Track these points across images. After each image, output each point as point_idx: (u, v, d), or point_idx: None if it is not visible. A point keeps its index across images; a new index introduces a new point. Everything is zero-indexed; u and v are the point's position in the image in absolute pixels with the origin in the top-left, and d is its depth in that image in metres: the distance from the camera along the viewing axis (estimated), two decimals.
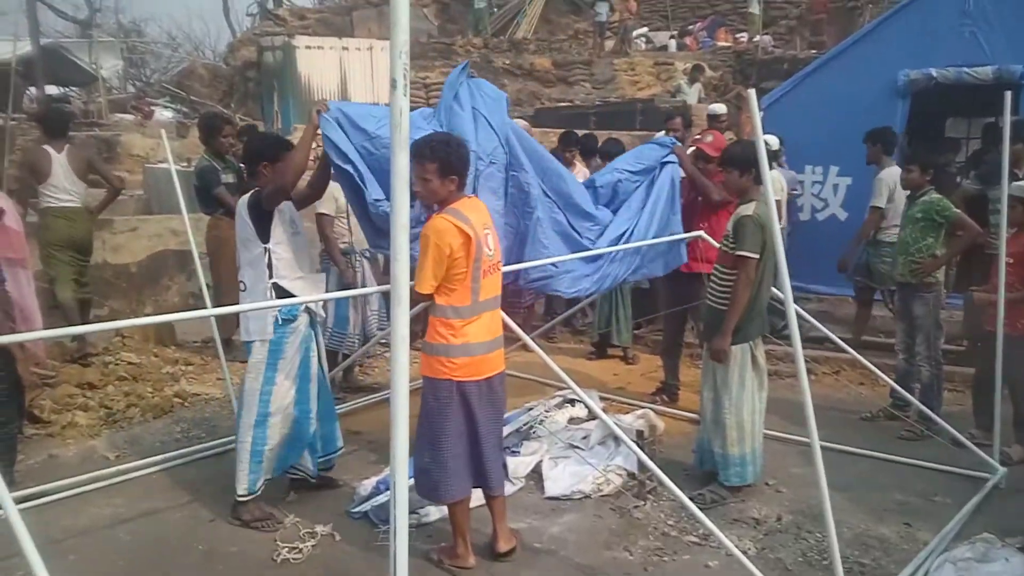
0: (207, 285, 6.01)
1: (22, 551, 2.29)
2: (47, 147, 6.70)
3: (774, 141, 7.28)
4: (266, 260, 4.17)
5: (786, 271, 3.39)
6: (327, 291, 4.88)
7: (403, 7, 1.74)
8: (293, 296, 4.16)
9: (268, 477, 4.33)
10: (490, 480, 3.85)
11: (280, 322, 4.18)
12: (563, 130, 8.18)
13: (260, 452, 4.22)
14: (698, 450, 4.84)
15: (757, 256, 4.31)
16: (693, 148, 5.84)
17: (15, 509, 2.37)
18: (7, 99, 13.45)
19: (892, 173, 6.43)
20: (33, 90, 17.81)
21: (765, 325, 4.56)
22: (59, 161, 6.64)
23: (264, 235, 4.18)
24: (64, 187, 6.67)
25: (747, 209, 4.37)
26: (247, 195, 4.25)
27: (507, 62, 20.99)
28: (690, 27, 23.21)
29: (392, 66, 1.77)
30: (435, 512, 4.31)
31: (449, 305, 3.63)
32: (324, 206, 5.76)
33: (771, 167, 6.20)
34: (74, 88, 22.40)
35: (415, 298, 3.51)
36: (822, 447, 3.49)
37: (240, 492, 4.23)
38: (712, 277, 4.63)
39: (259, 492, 4.28)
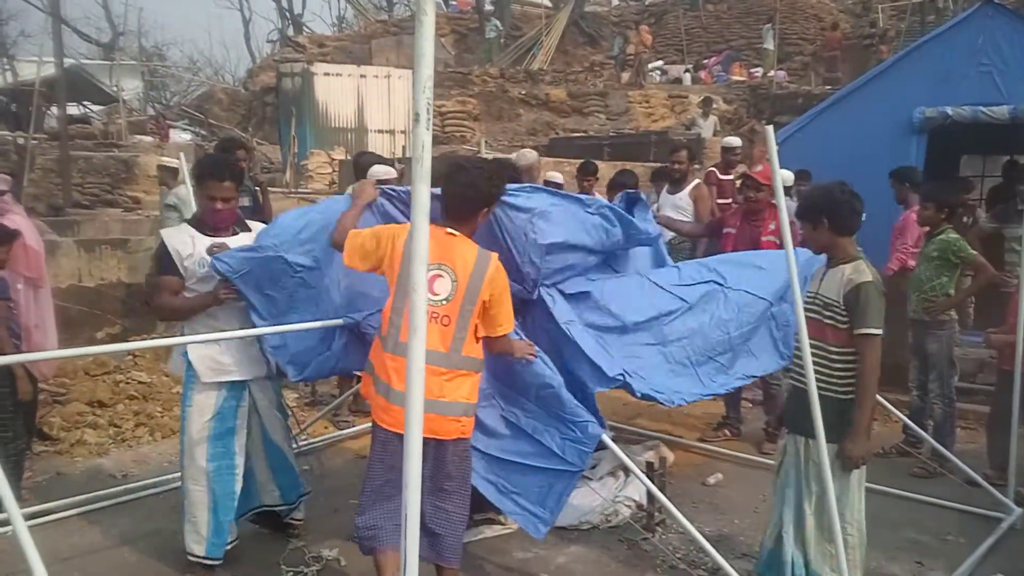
0: None
1: (29, 567, 2.29)
2: None
3: (789, 177, 7.29)
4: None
5: (801, 306, 3.36)
6: None
7: (428, 39, 1.75)
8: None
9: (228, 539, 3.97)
10: (431, 547, 3.39)
11: (187, 364, 3.86)
12: (580, 160, 8.21)
13: (182, 506, 3.92)
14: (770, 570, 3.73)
15: (881, 332, 3.40)
16: (736, 177, 5.97)
17: (24, 525, 2.37)
18: (30, 119, 13.64)
19: None
20: (55, 110, 18.05)
21: None
22: None
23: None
24: None
25: (860, 273, 3.40)
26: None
27: (523, 92, 21.17)
28: (704, 61, 23.39)
29: (415, 100, 1.78)
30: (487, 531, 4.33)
31: (378, 330, 3.39)
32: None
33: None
34: (94, 109, 22.69)
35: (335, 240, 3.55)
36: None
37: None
38: (814, 356, 3.46)
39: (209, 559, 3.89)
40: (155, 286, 3.84)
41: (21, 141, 14.57)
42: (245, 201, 6.73)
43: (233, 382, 3.88)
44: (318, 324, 3.83)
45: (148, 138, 18.57)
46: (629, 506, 4.70)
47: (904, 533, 4.61)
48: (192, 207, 7.15)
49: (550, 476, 3.75)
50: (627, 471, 4.61)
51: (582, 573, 4.10)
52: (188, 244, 3.78)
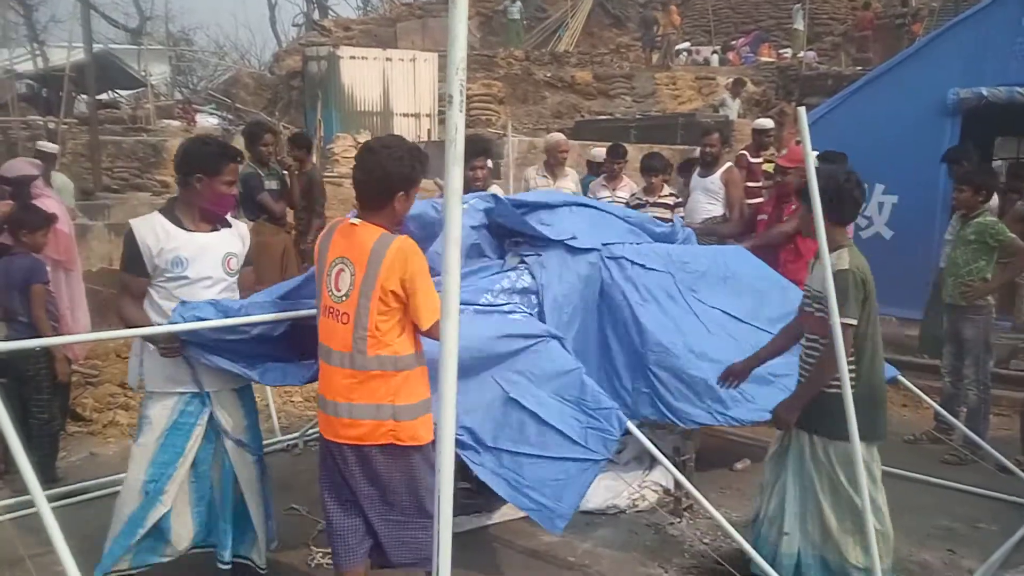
0: None
1: (55, 547, 2.33)
2: None
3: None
4: (155, 294, 3.42)
5: (832, 287, 3.31)
6: None
7: (462, 22, 1.73)
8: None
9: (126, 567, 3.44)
10: (385, 554, 3.19)
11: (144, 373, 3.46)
12: (609, 143, 8.15)
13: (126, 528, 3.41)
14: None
15: (855, 323, 3.35)
16: (764, 163, 5.91)
17: (47, 507, 2.41)
18: (60, 104, 13.79)
19: None
20: (85, 96, 18.23)
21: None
22: None
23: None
24: None
25: (840, 260, 3.36)
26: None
27: (548, 75, 21.06)
28: (733, 42, 23.10)
29: (449, 81, 1.76)
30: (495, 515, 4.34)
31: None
32: None
33: None
34: (123, 94, 22.89)
35: None
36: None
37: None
38: (804, 349, 3.61)
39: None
40: (119, 283, 3.47)
41: (52, 126, 14.72)
42: (273, 184, 6.79)
43: (192, 394, 3.43)
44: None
45: (176, 122, 18.70)
46: (656, 491, 4.69)
47: (936, 520, 4.56)
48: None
49: (569, 466, 3.63)
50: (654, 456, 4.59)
51: (609, 558, 4.10)
52: (159, 238, 3.33)
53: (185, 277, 3.36)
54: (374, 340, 2.92)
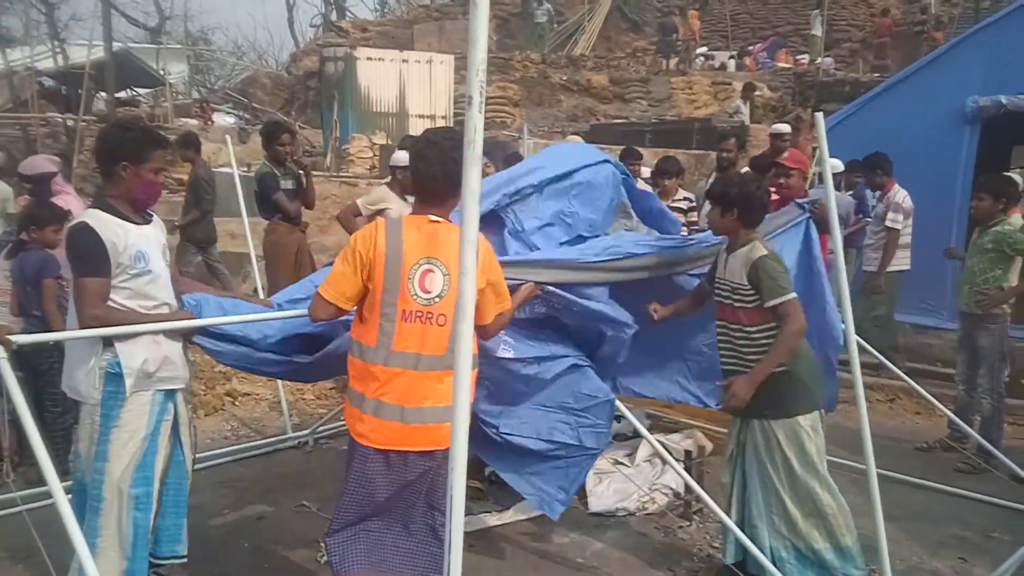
0: (262, 287, 6.13)
1: (72, 540, 2.36)
2: None
3: (837, 164, 7.17)
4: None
5: (847, 294, 3.31)
6: None
7: (482, 22, 1.74)
8: (118, 359, 3.09)
9: None
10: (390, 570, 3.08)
11: (107, 378, 3.10)
12: (621, 147, 8.15)
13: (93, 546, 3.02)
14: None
15: (795, 294, 3.52)
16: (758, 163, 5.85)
17: (64, 498, 2.44)
18: (79, 102, 13.91)
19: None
20: (104, 95, 18.38)
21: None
22: None
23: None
24: None
25: (755, 250, 3.55)
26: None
27: (564, 78, 21.06)
28: (750, 48, 23.04)
29: (469, 83, 1.77)
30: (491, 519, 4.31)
31: (356, 339, 2.99)
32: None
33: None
34: (142, 92, 23.07)
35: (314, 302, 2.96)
36: (876, 475, 3.41)
37: None
38: (732, 341, 3.70)
39: None
40: (84, 290, 3.02)
41: (71, 123, 14.88)
42: (289, 184, 6.81)
43: (166, 391, 3.26)
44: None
45: (193, 121, 18.82)
46: (666, 494, 4.69)
47: (948, 529, 4.53)
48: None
49: (568, 461, 3.78)
50: (664, 459, 4.59)
51: (618, 560, 4.10)
52: (118, 234, 3.09)
53: (149, 272, 3.15)
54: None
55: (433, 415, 2.90)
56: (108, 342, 3.06)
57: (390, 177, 6.57)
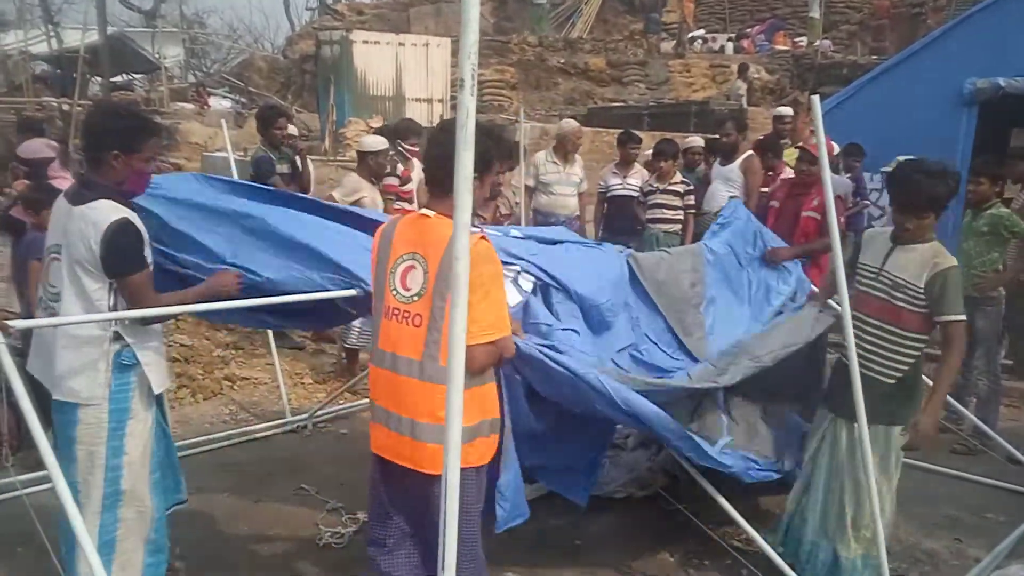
0: None
1: (72, 525, 2.36)
2: None
3: (833, 148, 7.16)
4: (107, 299, 2.98)
5: (844, 281, 3.30)
6: None
7: (474, 6, 1.72)
8: (132, 350, 3.03)
9: None
10: None
11: (118, 371, 3.02)
12: (619, 130, 8.13)
13: (111, 543, 3.08)
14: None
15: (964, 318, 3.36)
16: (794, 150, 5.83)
17: (63, 482, 2.44)
18: (74, 86, 13.84)
19: None
20: (99, 79, 18.30)
21: None
22: None
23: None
24: None
25: (945, 258, 3.37)
26: (104, 210, 2.93)
27: (561, 61, 20.99)
28: (748, 30, 22.96)
29: (461, 66, 1.74)
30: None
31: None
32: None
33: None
34: (137, 76, 22.97)
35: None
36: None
37: None
38: (875, 339, 3.49)
39: None
40: (142, 287, 2.98)
41: (66, 108, 14.80)
42: (284, 168, 6.80)
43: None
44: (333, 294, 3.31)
45: (189, 105, 18.77)
46: (663, 477, 4.70)
47: (943, 510, 4.56)
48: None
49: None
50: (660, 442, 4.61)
51: (616, 541, 4.13)
52: (141, 227, 3.03)
53: (151, 262, 3.09)
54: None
55: (416, 431, 2.66)
56: (117, 335, 2.98)
57: (358, 163, 6.53)
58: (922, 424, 3.34)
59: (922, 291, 3.34)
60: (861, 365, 3.30)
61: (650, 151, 7.63)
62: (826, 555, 3.63)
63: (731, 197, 6.62)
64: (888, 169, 6.59)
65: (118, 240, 2.89)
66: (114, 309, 2.97)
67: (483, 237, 2.63)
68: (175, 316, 3.10)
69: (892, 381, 3.43)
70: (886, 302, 3.44)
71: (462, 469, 2.31)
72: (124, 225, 2.91)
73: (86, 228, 2.88)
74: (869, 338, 3.47)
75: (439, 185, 2.70)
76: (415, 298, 2.65)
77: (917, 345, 3.43)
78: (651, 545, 4.10)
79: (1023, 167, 6.21)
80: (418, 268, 2.66)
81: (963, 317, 3.32)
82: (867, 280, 3.54)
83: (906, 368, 3.43)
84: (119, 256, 2.91)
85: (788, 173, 6.34)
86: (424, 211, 2.74)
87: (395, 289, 2.69)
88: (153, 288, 3.02)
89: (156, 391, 3.13)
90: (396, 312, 2.69)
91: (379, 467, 2.86)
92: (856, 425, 3.35)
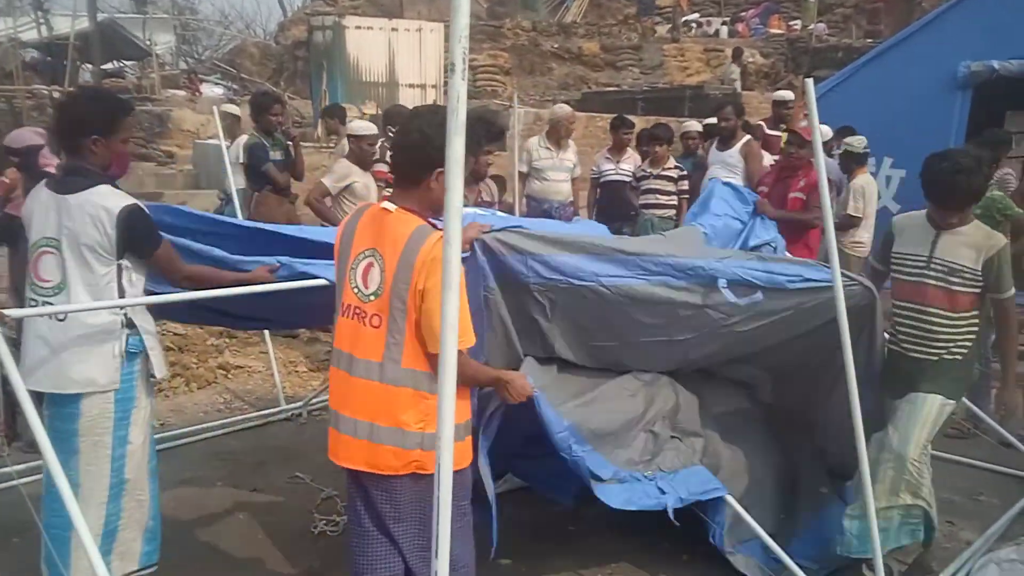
0: None
1: (69, 514, 2.36)
2: None
3: (827, 131, 7.13)
4: (116, 282, 2.98)
5: (839, 268, 3.30)
6: None
7: None
8: (139, 335, 3.03)
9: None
10: None
11: (126, 360, 3.02)
12: (612, 115, 8.10)
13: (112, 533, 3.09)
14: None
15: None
16: (784, 133, 5.82)
17: (60, 471, 2.44)
18: (65, 73, 13.74)
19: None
20: (90, 66, 18.17)
21: None
22: None
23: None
24: None
25: (996, 237, 3.52)
26: (107, 191, 2.97)
27: (555, 46, 20.90)
28: (742, 14, 22.88)
29: (452, 50, 1.72)
30: None
31: None
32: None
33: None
34: (128, 63, 22.82)
35: None
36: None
37: None
38: (926, 326, 3.58)
39: None
40: (167, 257, 3.06)
41: (57, 95, 14.70)
42: (278, 155, 6.77)
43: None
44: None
45: (181, 92, 18.65)
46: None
47: (937, 492, 4.54)
48: None
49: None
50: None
51: (611, 528, 4.12)
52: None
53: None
54: (411, 349, 2.46)
55: (375, 433, 2.51)
56: (130, 322, 2.99)
57: (347, 149, 6.50)
58: (1009, 400, 3.62)
59: (979, 273, 3.46)
60: (922, 351, 3.54)
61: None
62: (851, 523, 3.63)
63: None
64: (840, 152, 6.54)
65: (135, 220, 2.93)
66: (123, 294, 2.98)
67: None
68: (203, 298, 3.09)
69: (960, 359, 3.57)
70: (944, 289, 3.52)
71: (428, 474, 2.39)
72: (137, 209, 2.96)
73: (96, 213, 2.88)
74: (927, 326, 3.56)
75: (404, 177, 2.56)
76: (372, 297, 2.50)
77: (974, 321, 3.58)
78: (647, 532, 4.10)
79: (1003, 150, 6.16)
80: (376, 266, 2.50)
81: (1013, 292, 3.48)
82: (916, 269, 3.59)
83: (970, 345, 3.58)
84: (143, 233, 2.97)
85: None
86: (385, 205, 2.53)
87: (356, 286, 2.54)
88: (180, 262, 3.09)
89: (159, 376, 3.15)
90: (356, 312, 2.54)
91: (344, 472, 2.70)
92: (923, 395, 3.49)
